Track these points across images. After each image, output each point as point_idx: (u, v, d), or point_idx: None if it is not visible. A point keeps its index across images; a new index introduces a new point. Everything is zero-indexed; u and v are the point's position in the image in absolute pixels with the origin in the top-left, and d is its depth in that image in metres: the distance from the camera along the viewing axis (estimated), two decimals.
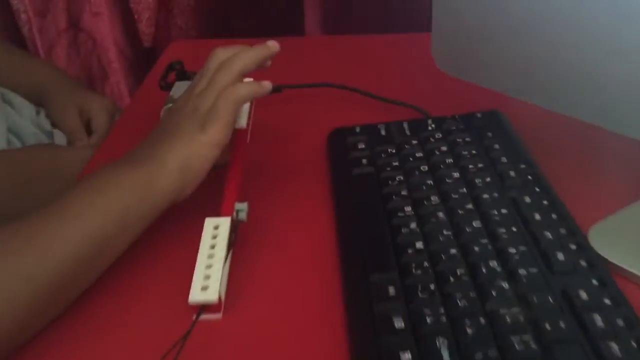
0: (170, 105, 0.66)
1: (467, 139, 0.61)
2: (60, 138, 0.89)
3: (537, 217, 0.50)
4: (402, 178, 0.57)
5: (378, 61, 0.88)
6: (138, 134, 0.58)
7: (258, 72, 0.58)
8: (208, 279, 0.46)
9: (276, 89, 0.74)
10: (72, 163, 0.77)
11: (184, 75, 0.72)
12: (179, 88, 0.70)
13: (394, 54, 0.90)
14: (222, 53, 0.57)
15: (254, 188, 0.59)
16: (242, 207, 0.52)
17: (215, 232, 0.50)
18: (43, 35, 1.24)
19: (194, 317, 0.46)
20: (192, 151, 0.52)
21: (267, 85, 0.56)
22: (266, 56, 0.57)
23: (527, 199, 0.52)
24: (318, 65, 0.88)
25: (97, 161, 0.71)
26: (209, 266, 0.47)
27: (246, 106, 0.65)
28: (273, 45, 0.57)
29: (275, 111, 0.75)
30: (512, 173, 0.56)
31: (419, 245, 0.48)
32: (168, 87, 0.72)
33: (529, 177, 0.56)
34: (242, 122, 0.62)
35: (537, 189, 0.54)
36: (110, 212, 0.48)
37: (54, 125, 0.90)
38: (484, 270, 0.45)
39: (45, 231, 0.46)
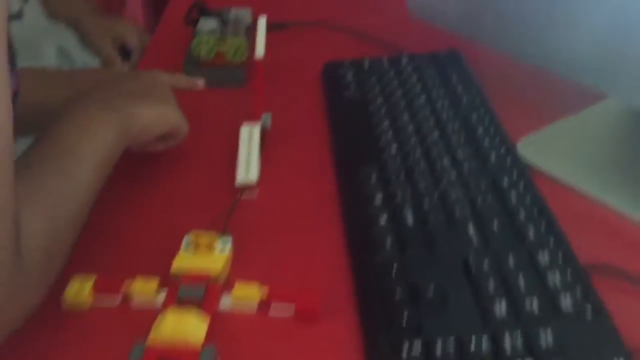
0: (202, 37, 0.82)
1: (432, 74, 0.80)
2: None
3: (480, 130, 0.69)
4: (382, 101, 0.76)
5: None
6: (166, 66, 0.79)
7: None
8: (248, 165, 0.64)
9: (281, 25, 0.91)
10: None
11: (207, 13, 0.88)
12: (205, 23, 0.86)
13: None
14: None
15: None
16: (267, 116, 0.70)
17: (250, 133, 0.68)
18: None
19: (238, 195, 0.64)
20: (160, 112, 0.63)
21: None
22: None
23: (475, 117, 0.72)
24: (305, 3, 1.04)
25: None
26: (248, 157, 0.65)
27: (262, 36, 0.79)
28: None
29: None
30: (464, 98, 0.75)
31: (394, 149, 0.67)
32: (194, 22, 0.88)
33: (477, 99, 0.75)
34: (260, 53, 0.78)
35: (483, 110, 0.73)
36: (99, 156, 0.55)
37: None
38: (438, 165, 0.65)
39: (58, 174, 0.51)
